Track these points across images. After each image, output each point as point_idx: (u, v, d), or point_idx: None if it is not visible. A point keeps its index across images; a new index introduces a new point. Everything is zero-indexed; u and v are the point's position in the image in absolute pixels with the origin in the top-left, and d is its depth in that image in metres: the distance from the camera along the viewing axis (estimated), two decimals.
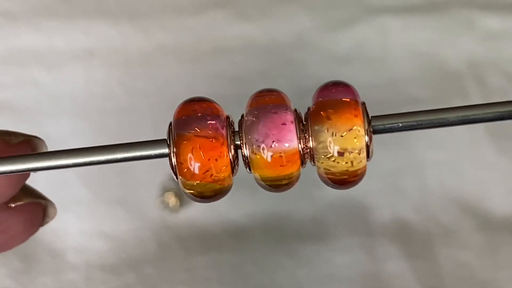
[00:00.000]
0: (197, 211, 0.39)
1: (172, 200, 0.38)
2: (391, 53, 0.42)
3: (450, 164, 0.39)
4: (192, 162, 0.17)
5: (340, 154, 0.17)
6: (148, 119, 0.40)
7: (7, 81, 0.41)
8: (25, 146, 0.20)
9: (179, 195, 0.38)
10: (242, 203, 0.39)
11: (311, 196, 0.39)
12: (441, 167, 0.39)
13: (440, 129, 0.40)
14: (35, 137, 0.20)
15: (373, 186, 0.39)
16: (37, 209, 0.21)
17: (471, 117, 0.18)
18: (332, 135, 0.17)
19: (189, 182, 0.18)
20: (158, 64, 0.42)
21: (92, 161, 0.18)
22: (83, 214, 0.39)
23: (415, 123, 0.18)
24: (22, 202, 0.21)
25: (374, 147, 0.43)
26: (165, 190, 0.39)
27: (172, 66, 0.42)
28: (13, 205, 0.20)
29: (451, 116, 0.18)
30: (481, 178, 0.39)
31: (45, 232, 0.38)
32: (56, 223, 0.38)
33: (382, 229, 0.38)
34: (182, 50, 0.42)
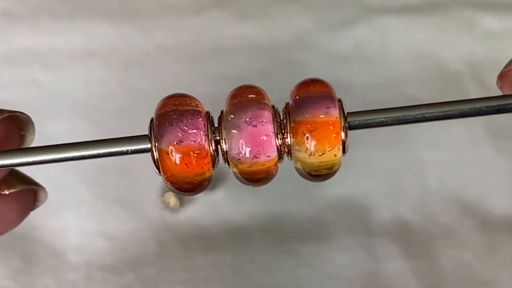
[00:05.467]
0: (197, 211, 0.39)
1: (172, 200, 0.38)
2: (391, 53, 0.42)
3: (450, 164, 0.39)
4: (173, 156, 0.18)
5: (317, 149, 0.18)
6: (148, 119, 0.40)
7: (7, 81, 0.41)
8: (10, 121, 0.20)
9: (179, 195, 0.38)
10: (242, 203, 0.39)
11: (311, 196, 0.39)
12: (441, 167, 0.39)
13: (439, 129, 0.40)
14: (20, 112, 0.20)
15: (373, 186, 0.39)
16: (29, 194, 0.21)
17: (447, 113, 0.18)
18: (309, 131, 0.18)
19: (170, 176, 0.18)
20: (158, 64, 0.42)
21: (75, 156, 0.18)
22: (84, 214, 0.39)
23: (390, 119, 0.18)
24: (16, 189, 0.21)
25: (373, 147, 0.43)
26: (165, 190, 0.39)
27: (172, 66, 0.42)
28: (7, 192, 0.20)
29: (428, 112, 0.18)
30: (481, 178, 0.39)
31: (45, 232, 0.38)
32: (56, 223, 0.38)
33: (382, 229, 0.38)
34: (182, 50, 0.42)
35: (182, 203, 0.39)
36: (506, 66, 0.19)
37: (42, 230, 0.38)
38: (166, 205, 0.38)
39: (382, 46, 0.42)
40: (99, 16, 0.43)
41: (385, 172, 0.39)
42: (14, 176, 0.21)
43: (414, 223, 0.38)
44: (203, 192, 0.37)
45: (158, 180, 0.39)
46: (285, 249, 0.38)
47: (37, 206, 0.22)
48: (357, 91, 0.41)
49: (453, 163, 0.39)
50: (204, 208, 0.39)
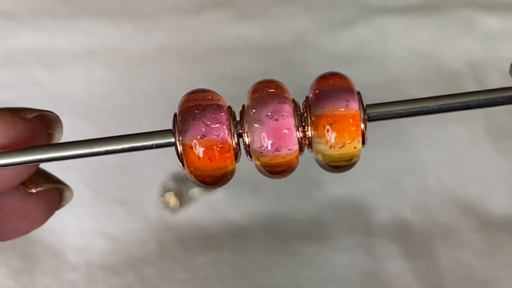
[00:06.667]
0: (197, 211, 0.39)
1: (172, 200, 0.38)
2: (391, 53, 0.42)
3: (450, 164, 0.39)
4: (197, 150, 0.18)
5: (337, 141, 0.18)
6: (148, 119, 0.40)
7: (7, 81, 0.41)
8: (39, 120, 0.20)
9: (179, 195, 0.38)
10: (242, 203, 0.39)
11: (311, 196, 0.39)
12: (441, 167, 0.39)
13: (440, 129, 0.40)
14: (49, 111, 0.20)
15: (373, 186, 0.39)
16: (55, 193, 0.22)
17: (463, 103, 0.19)
18: (330, 123, 0.18)
19: (194, 169, 0.18)
20: (158, 64, 0.42)
21: (100, 151, 0.18)
22: (84, 214, 0.39)
23: (407, 110, 0.19)
24: (43, 188, 0.21)
25: (373, 147, 0.43)
26: (165, 190, 0.39)
27: (172, 66, 0.42)
28: (34, 191, 0.21)
29: (444, 103, 0.19)
30: (481, 178, 0.39)
31: (46, 232, 0.38)
32: (56, 223, 0.38)
33: (382, 229, 0.38)
34: (182, 50, 0.42)
35: (182, 203, 0.39)
36: None
37: (42, 230, 0.38)
38: (166, 205, 0.38)
39: (382, 46, 0.42)
40: (99, 16, 0.43)
41: (385, 172, 0.39)
42: (40, 175, 0.21)
43: (414, 223, 0.38)
44: (202, 191, 0.37)
45: (158, 180, 0.39)
46: (285, 249, 0.38)
47: (63, 205, 0.22)
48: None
49: (453, 163, 0.39)
50: (204, 208, 0.39)
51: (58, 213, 0.38)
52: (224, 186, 0.41)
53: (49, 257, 0.38)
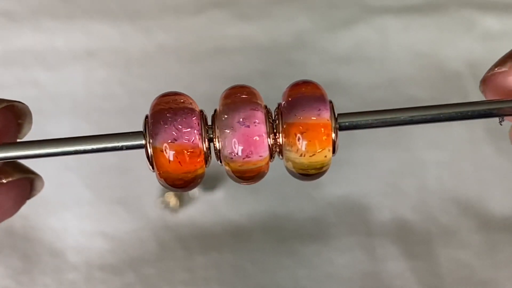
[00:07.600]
0: (197, 211, 0.39)
1: (172, 200, 0.38)
2: (391, 53, 0.42)
3: (450, 164, 0.39)
4: (167, 154, 0.18)
5: (308, 150, 0.18)
6: None
7: (7, 81, 0.41)
8: (8, 111, 0.20)
9: (179, 195, 0.38)
10: (242, 203, 0.39)
11: (311, 196, 0.39)
12: (441, 167, 0.39)
13: (440, 129, 0.40)
14: (18, 102, 0.20)
15: (373, 186, 0.39)
16: (25, 183, 0.22)
17: (434, 116, 0.19)
18: (301, 132, 0.18)
19: (163, 173, 0.18)
20: (158, 64, 0.42)
21: (70, 150, 0.18)
22: (84, 214, 0.39)
23: (378, 121, 0.19)
24: (14, 178, 0.21)
25: (373, 147, 0.43)
26: (165, 190, 0.39)
27: (172, 66, 0.42)
28: (4, 181, 0.21)
29: (415, 115, 0.19)
30: (481, 178, 0.39)
31: (45, 232, 0.38)
32: (56, 223, 0.38)
33: (382, 229, 0.38)
34: (182, 50, 0.42)
35: (182, 203, 0.39)
36: (488, 71, 0.19)
37: (42, 230, 0.38)
38: (166, 205, 0.38)
39: (382, 46, 0.42)
40: (99, 16, 0.43)
41: (385, 172, 0.39)
42: (10, 165, 0.21)
43: (414, 223, 0.38)
44: (202, 191, 0.37)
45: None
46: (285, 249, 0.38)
47: (34, 195, 0.22)
48: (357, 91, 0.41)
49: (453, 163, 0.39)
50: (204, 208, 0.39)
51: (58, 213, 0.38)
52: (224, 186, 0.41)
53: (49, 257, 0.38)
